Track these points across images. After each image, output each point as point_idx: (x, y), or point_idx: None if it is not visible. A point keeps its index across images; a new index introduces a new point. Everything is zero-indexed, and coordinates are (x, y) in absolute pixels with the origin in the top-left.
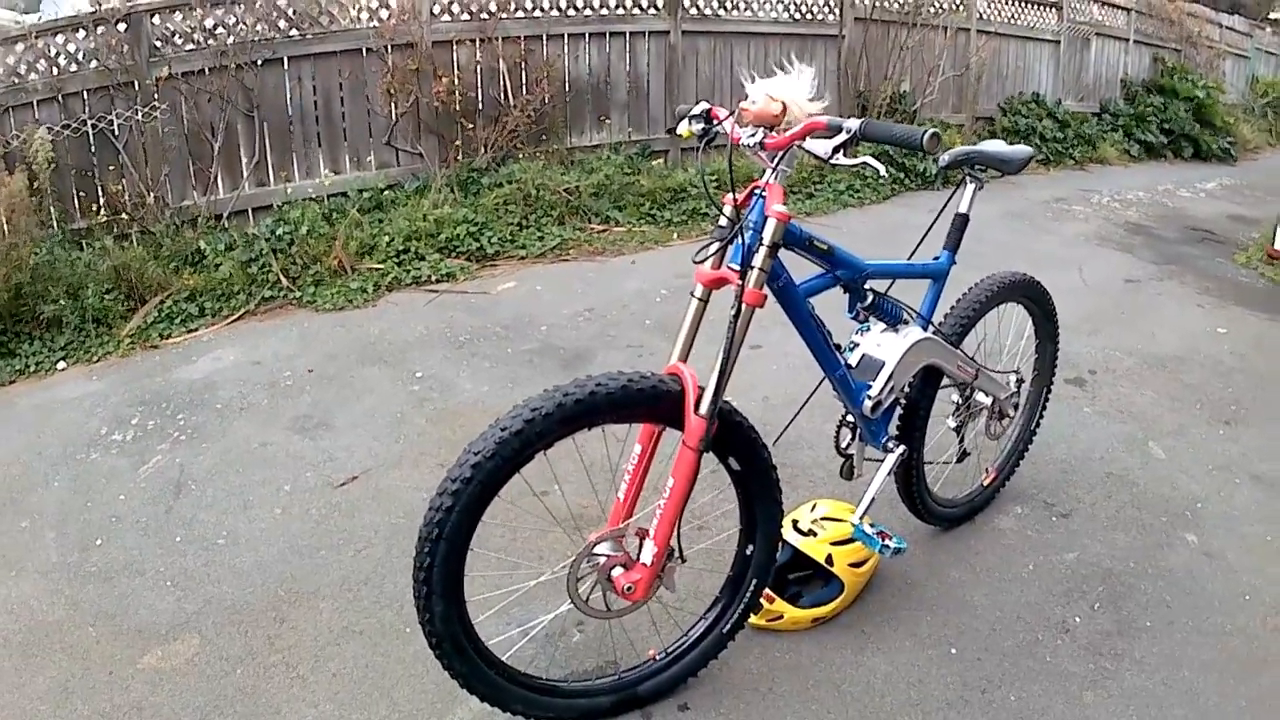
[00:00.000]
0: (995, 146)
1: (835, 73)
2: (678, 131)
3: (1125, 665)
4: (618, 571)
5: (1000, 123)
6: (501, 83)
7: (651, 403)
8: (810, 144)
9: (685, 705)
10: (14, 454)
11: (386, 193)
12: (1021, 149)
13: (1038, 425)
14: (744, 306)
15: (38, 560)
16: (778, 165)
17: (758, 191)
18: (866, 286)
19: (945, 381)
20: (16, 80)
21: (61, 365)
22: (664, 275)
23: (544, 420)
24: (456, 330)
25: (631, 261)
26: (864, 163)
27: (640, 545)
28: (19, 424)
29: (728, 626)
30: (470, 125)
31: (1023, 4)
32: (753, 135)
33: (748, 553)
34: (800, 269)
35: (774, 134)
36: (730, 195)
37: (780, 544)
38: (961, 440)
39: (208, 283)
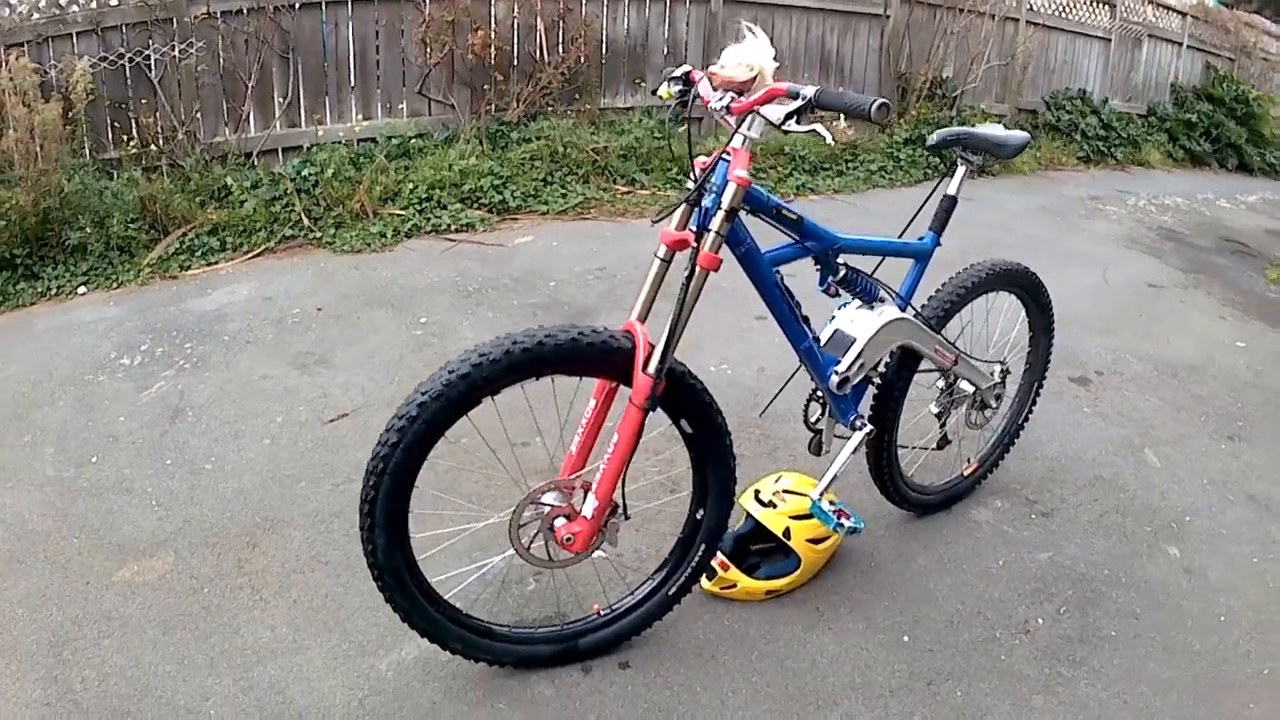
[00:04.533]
0: (989, 129)
1: (878, 52)
2: (658, 93)
3: (1082, 674)
4: (560, 522)
5: (1043, 116)
6: (538, 39)
7: (601, 358)
8: (766, 110)
9: (626, 663)
10: (25, 372)
11: (415, 141)
12: (1017, 134)
13: (1026, 419)
14: (697, 269)
15: (35, 474)
16: (738, 130)
17: (724, 156)
18: (840, 260)
19: (925, 365)
20: (57, 11)
21: (82, 290)
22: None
23: (490, 366)
24: (467, 279)
25: (652, 224)
26: (813, 130)
27: (585, 498)
28: (35, 344)
29: (674, 589)
30: (504, 79)
31: None
32: (720, 99)
33: (698, 517)
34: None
35: (740, 99)
36: (690, 157)
37: (745, 514)
38: (943, 426)
39: (231, 218)
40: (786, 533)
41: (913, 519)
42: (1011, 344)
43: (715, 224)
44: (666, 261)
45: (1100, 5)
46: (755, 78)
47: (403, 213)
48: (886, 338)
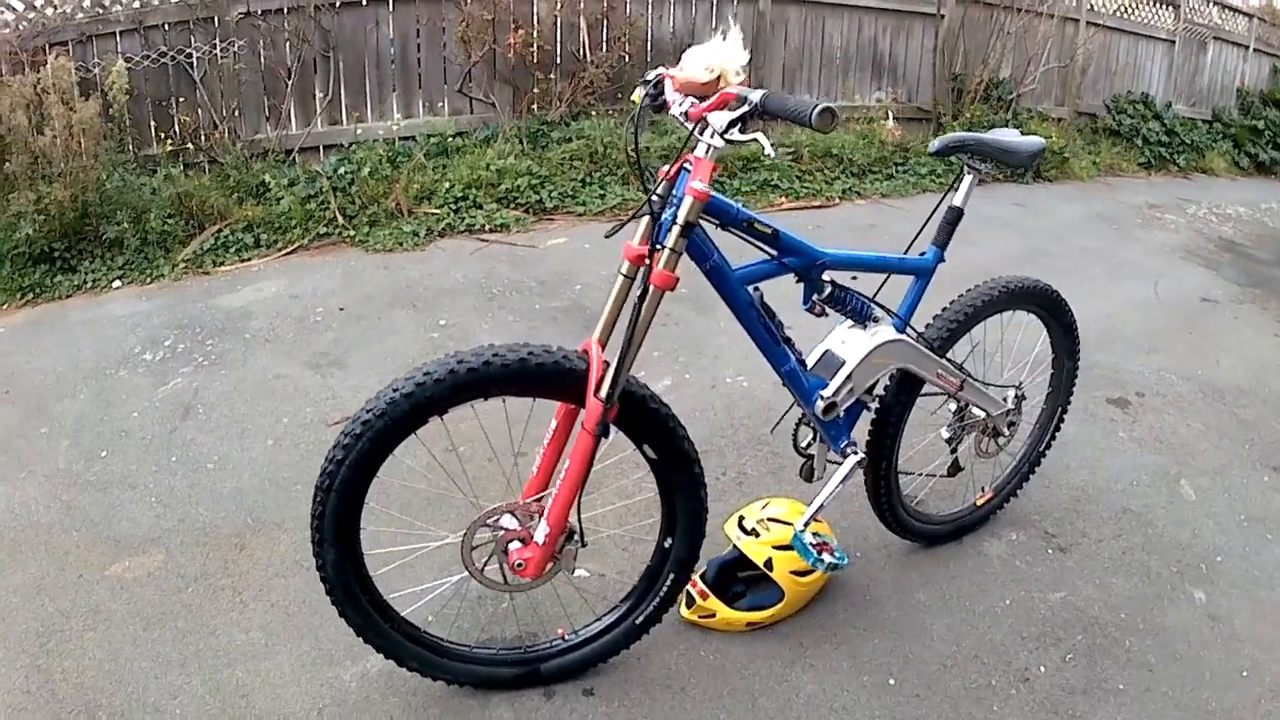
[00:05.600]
0: (999, 135)
1: (932, 52)
2: (632, 97)
3: None
4: (515, 546)
5: (1104, 120)
6: (580, 38)
7: (551, 379)
8: (712, 116)
9: (590, 690)
10: (53, 364)
11: (454, 139)
12: (1032, 140)
13: (1048, 447)
14: (651, 289)
15: (47, 465)
16: (692, 136)
17: (685, 165)
18: (825, 277)
19: (928, 389)
20: (101, 10)
21: (117, 284)
22: (718, 244)
23: (435, 386)
24: (493, 281)
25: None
26: (754, 139)
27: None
28: (67, 336)
29: (641, 619)
30: (546, 78)
31: None
32: (680, 105)
33: (666, 545)
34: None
35: (700, 104)
36: (639, 164)
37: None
38: (954, 452)
39: (267, 215)
40: (769, 563)
41: (917, 550)
42: (1032, 366)
43: (670, 240)
44: (630, 278)
45: (1164, 6)
46: (717, 80)
47: (437, 211)
48: (880, 360)
